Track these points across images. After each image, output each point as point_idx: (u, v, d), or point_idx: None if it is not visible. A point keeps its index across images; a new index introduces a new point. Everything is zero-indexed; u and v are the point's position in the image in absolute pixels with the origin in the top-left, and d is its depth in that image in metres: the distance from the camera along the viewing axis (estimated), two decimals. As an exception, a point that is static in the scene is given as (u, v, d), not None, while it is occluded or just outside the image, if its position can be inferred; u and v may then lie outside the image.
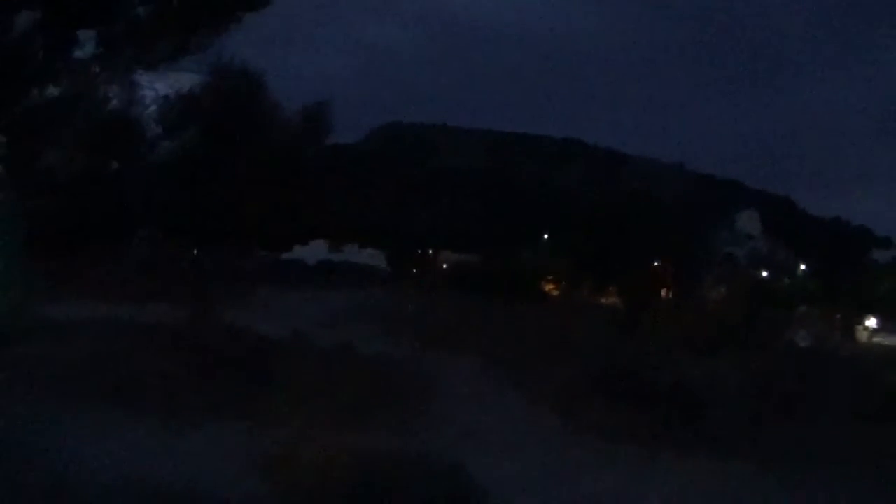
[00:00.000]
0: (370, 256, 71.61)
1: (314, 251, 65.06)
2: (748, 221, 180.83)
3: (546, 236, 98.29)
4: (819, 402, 30.58)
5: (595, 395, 26.06)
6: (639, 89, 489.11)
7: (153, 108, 44.47)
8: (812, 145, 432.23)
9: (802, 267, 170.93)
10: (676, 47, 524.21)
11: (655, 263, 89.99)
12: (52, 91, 23.84)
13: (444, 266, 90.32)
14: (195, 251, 54.27)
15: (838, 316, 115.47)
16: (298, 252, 62.65)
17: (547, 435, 21.81)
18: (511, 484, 15.84)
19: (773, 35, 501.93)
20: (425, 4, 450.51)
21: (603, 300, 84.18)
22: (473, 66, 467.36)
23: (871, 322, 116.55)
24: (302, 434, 16.73)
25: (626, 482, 18.89)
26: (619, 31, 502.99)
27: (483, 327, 36.33)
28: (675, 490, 18.72)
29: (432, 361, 27.42)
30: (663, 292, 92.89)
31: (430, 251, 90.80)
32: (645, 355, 31.27)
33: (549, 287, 79.61)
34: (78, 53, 22.99)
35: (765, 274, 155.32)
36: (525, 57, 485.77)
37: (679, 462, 21.01)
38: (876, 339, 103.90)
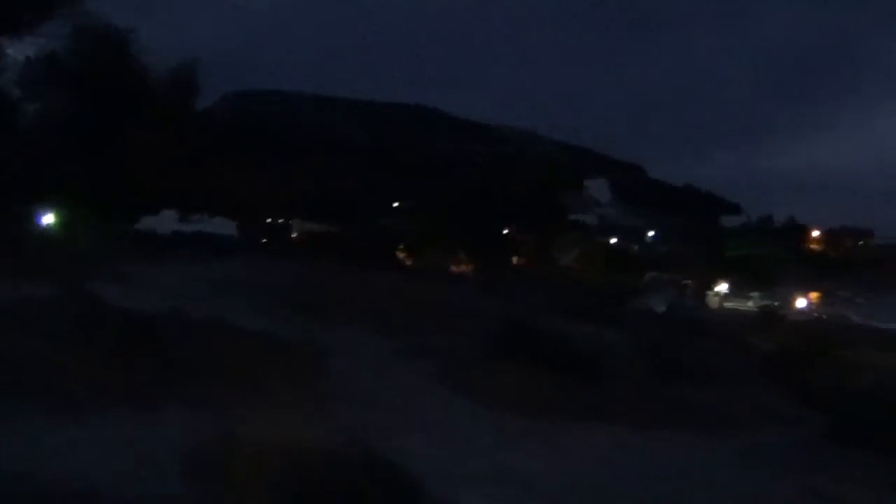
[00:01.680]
0: (224, 226, 69.97)
1: (165, 221, 63.16)
2: (598, 189, 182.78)
3: (397, 204, 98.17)
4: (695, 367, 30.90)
5: (485, 360, 25.69)
6: (496, 57, 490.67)
7: (14, 71, 42.82)
8: (665, 112, 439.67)
9: (651, 233, 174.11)
10: (532, 15, 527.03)
11: (507, 229, 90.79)
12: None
13: (295, 235, 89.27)
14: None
15: (689, 282, 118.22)
16: (149, 222, 60.54)
17: (441, 404, 21.07)
18: (413, 457, 15.01)
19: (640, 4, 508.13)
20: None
21: (460, 266, 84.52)
22: (337, 33, 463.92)
23: (722, 287, 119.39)
24: (202, 415, 15.97)
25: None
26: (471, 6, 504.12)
27: (352, 297, 35.43)
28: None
29: (314, 332, 26.45)
30: (515, 258, 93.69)
31: (283, 220, 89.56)
32: (520, 321, 30.53)
33: (406, 255, 79.18)
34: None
35: (614, 240, 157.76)
36: (386, 24, 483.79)
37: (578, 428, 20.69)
38: (727, 304, 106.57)
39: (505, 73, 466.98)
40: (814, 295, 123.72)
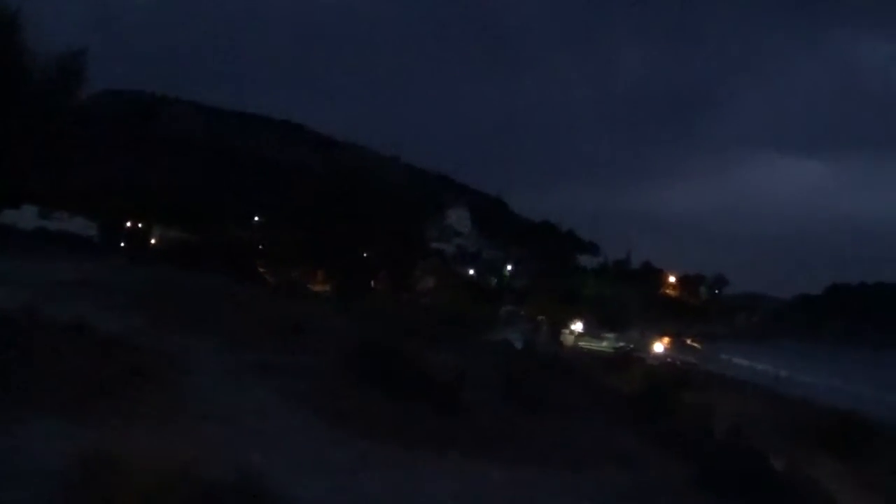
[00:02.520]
0: (83, 226, 68.19)
1: (25, 217, 61.19)
2: (458, 218, 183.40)
3: (257, 217, 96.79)
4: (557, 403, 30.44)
5: (341, 381, 24.71)
6: (359, 76, 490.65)
7: None
8: (528, 146, 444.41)
9: (509, 267, 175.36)
10: (396, 35, 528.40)
11: (365, 253, 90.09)
12: None
13: (153, 241, 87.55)
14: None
15: (544, 318, 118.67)
16: (10, 216, 58.50)
17: (299, 426, 20.04)
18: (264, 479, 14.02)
19: (510, 25, 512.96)
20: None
21: (319, 285, 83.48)
22: (203, 37, 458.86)
23: (578, 326, 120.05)
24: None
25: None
26: (353, 14, 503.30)
27: (212, 306, 34.38)
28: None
29: (170, 341, 25.23)
30: (373, 281, 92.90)
31: (142, 224, 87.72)
32: (377, 343, 29.66)
33: (264, 267, 77.73)
34: None
35: (472, 272, 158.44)
36: (255, 35, 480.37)
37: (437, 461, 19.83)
38: (581, 343, 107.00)
39: (369, 93, 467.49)
40: (665, 339, 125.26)
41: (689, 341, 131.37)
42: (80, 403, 16.40)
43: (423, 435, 21.22)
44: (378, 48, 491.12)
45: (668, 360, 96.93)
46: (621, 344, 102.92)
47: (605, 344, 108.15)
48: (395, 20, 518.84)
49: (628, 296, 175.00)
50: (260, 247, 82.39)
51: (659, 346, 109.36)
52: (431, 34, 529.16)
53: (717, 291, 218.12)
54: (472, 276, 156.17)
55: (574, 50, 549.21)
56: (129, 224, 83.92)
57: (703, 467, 22.10)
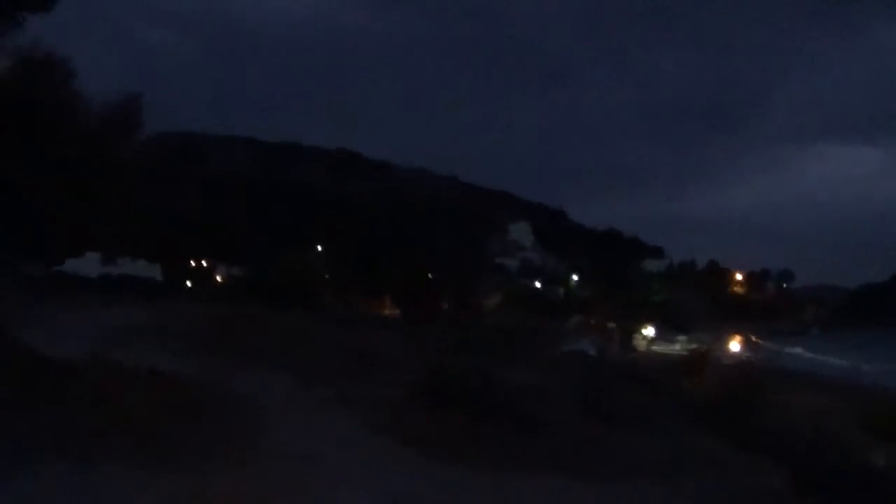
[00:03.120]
0: (146, 268, 68.50)
1: (89, 264, 61.47)
2: (520, 232, 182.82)
3: (320, 247, 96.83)
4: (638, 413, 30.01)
5: (422, 409, 24.36)
6: (411, 99, 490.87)
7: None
8: (586, 155, 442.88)
9: (575, 277, 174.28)
10: (448, 55, 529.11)
11: (430, 273, 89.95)
12: None
13: (219, 278, 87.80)
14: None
15: (612, 325, 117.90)
16: (73, 265, 58.74)
17: (386, 458, 19.67)
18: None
19: (544, 42, 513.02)
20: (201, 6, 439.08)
21: (384, 310, 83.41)
22: (248, 73, 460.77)
23: (650, 331, 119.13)
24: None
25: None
26: (390, 39, 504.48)
27: (283, 341, 34.20)
28: None
29: (250, 383, 24.98)
30: (440, 302, 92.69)
31: (206, 262, 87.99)
32: (455, 367, 29.33)
33: (330, 297, 77.66)
34: None
35: (537, 284, 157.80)
36: (297, 64, 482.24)
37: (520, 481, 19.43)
38: (654, 348, 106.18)
39: (418, 117, 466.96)
40: (737, 338, 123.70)
41: (753, 339, 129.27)
42: (164, 453, 16.05)
43: (508, 457, 20.90)
44: (422, 73, 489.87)
45: (744, 358, 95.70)
46: (694, 345, 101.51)
47: (677, 347, 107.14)
48: (437, 44, 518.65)
49: (696, 297, 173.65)
50: (326, 276, 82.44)
51: (735, 346, 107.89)
52: (472, 55, 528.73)
53: (784, 286, 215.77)
54: (537, 288, 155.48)
55: (616, 60, 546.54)
56: (192, 264, 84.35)
57: (799, 470, 21.45)
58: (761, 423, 32.10)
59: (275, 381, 26.22)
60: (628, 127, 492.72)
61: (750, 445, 27.76)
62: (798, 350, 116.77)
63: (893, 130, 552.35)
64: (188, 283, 77.19)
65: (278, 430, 19.93)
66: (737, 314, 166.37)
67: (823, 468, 20.85)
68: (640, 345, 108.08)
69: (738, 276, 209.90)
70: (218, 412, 20.35)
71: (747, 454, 26.78)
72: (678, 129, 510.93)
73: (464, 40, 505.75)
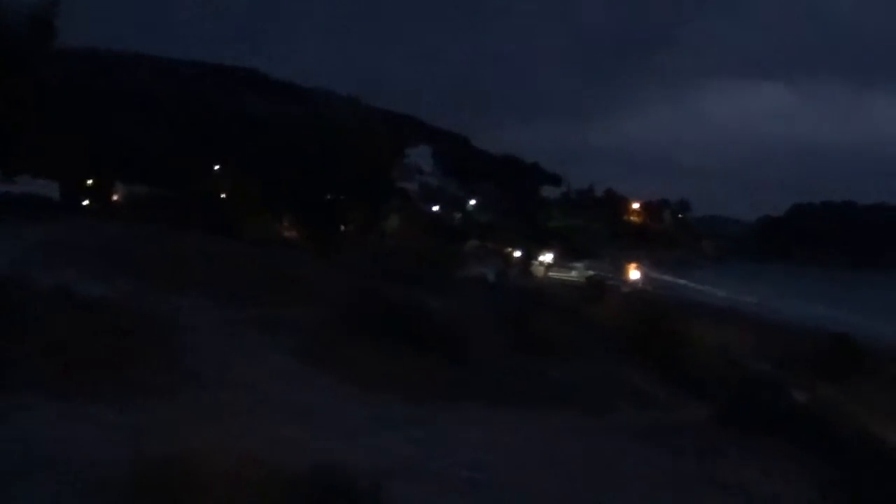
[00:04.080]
0: (45, 187, 66.90)
1: (-12, 181, 59.94)
2: (420, 156, 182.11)
3: (220, 166, 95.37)
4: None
5: (345, 334, 24.03)
6: (315, 21, 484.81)
7: None
8: (490, 82, 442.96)
9: (472, 202, 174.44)
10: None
11: (333, 195, 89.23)
12: None
13: (116, 198, 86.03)
14: None
15: (511, 250, 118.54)
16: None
17: (313, 385, 19.38)
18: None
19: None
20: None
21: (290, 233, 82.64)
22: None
23: (547, 257, 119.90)
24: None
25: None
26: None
27: (191, 263, 33.51)
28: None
29: (165, 302, 24.36)
30: (342, 225, 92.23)
31: (104, 181, 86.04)
32: (371, 292, 29.04)
33: (235, 217, 76.76)
34: None
35: (436, 208, 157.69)
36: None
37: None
38: (551, 274, 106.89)
39: (325, 38, 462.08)
40: (630, 265, 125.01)
41: (648, 269, 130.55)
42: (90, 380, 15.58)
43: (436, 386, 20.69)
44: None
45: (642, 287, 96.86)
46: (591, 273, 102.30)
47: (574, 273, 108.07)
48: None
49: (594, 225, 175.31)
50: (223, 196, 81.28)
51: (635, 274, 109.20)
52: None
53: (680, 216, 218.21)
54: (436, 213, 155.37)
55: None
56: (90, 182, 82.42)
57: (722, 404, 21.61)
58: (679, 354, 32.33)
59: (195, 303, 25.64)
60: (542, 57, 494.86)
61: (673, 378, 28.01)
62: (684, 282, 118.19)
63: (797, 68, 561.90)
64: (85, 202, 75.47)
65: (205, 359, 19.49)
66: (634, 243, 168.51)
67: (743, 401, 20.99)
68: (538, 271, 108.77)
69: (636, 206, 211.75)
70: (142, 336, 19.84)
71: (672, 387, 27.05)
72: (591, 63, 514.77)
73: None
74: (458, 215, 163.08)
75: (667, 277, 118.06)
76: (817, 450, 18.61)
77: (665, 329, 37.08)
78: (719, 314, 68.71)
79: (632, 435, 20.01)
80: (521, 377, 23.45)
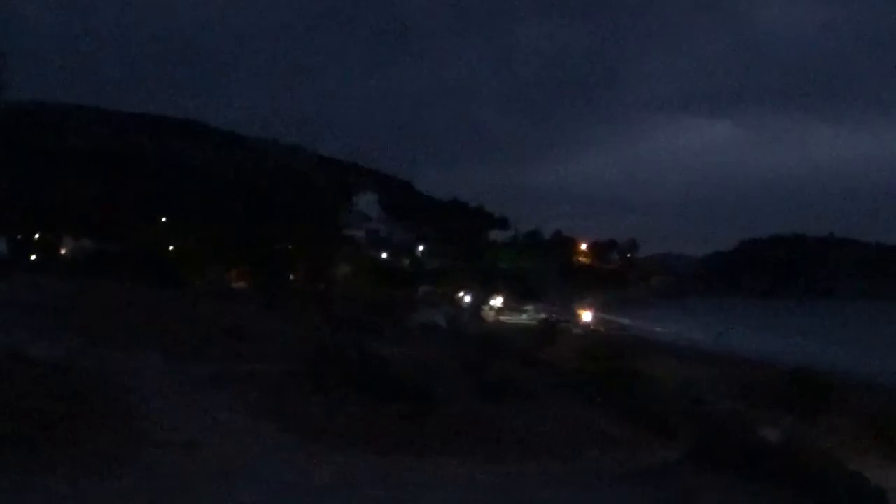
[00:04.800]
0: (-8, 243, 66.15)
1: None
2: (367, 203, 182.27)
3: (165, 218, 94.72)
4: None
5: (302, 388, 23.35)
6: (256, 70, 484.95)
7: None
8: (432, 126, 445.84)
9: (421, 248, 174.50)
10: (296, 25, 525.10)
11: (278, 244, 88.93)
12: None
13: (63, 252, 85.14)
14: None
15: (462, 295, 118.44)
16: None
17: (271, 445, 18.61)
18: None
19: (405, 11, 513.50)
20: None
21: (239, 283, 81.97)
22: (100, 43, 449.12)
23: (497, 301, 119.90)
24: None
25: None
26: (245, 5, 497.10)
27: (146, 317, 32.89)
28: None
29: (115, 362, 23.63)
30: (293, 274, 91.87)
31: (52, 235, 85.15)
32: (328, 343, 28.53)
33: (184, 270, 76.02)
34: None
35: (384, 255, 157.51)
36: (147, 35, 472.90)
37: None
38: (502, 318, 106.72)
39: (266, 86, 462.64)
40: (581, 306, 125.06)
41: (599, 309, 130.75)
42: (42, 448, 14.78)
43: (401, 440, 19.98)
44: (277, 40, 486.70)
45: (598, 329, 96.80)
46: (543, 315, 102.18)
47: (525, 316, 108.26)
48: (293, 11, 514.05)
49: (542, 266, 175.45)
50: (171, 248, 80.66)
51: (588, 315, 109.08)
52: (330, 23, 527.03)
53: (629, 255, 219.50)
54: (384, 259, 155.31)
55: (474, 31, 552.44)
56: (37, 236, 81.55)
57: (695, 444, 21.05)
58: (642, 394, 31.93)
59: (145, 360, 24.93)
60: (485, 98, 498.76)
61: (638, 418, 27.52)
62: (636, 321, 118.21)
63: (742, 103, 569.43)
64: (33, 257, 74.64)
65: (162, 419, 18.76)
66: (584, 284, 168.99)
67: (724, 443, 20.44)
68: (488, 315, 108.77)
69: (584, 246, 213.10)
70: (96, 399, 19.08)
71: (638, 427, 26.53)
72: (533, 101, 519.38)
73: (325, 8, 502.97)
74: (406, 261, 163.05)
75: (618, 317, 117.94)
76: (796, 489, 18.13)
77: (623, 368, 36.81)
78: (674, 351, 68.59)
79: (609, 480, 19.41)
80: (486, 426, 22.77)
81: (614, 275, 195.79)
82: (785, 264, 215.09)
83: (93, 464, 14.43)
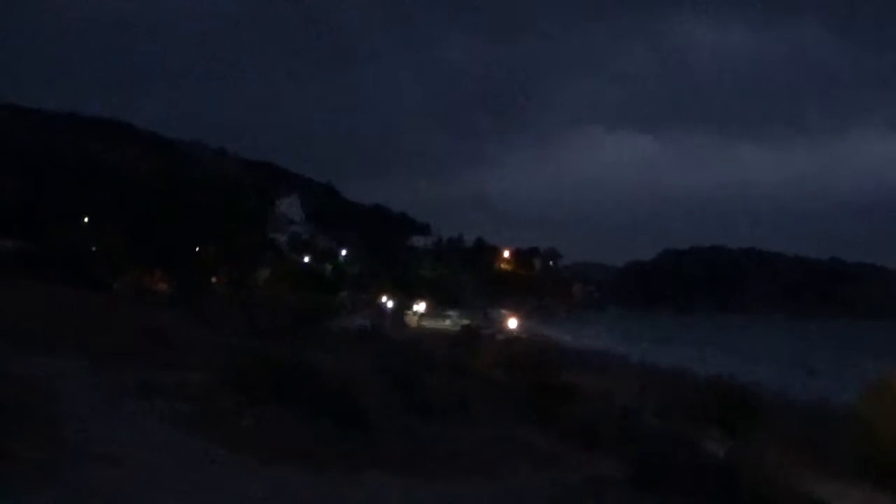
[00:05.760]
0: None
1: None
2: (290, 207, 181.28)
3: (87, 219, 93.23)
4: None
5: (232, 399, 22.69)
6: (183, 72, 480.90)
7: None
8: (359, 136, 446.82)
9: (344, 253, 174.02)
10: (224, 31, 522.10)
11: (201, 247, 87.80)
12: None
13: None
14: None
15: (384, 300, 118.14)
16: None
17: (199, 459, 17.99)
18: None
19: (337, 21, 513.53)
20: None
21: (158, 286, 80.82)
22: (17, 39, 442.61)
23: (420, 307, 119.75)
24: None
25: None
26: (173, 7, 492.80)
27: (67, 320, 32.03)
28: None
29: (36, 368, 22.83)
30: (215, 277, 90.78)
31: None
32: (256, 351, 27.92)
33: (106, 272, 74.60)
34: None
35: (307, 259, 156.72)
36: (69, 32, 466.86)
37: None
38: (424, 324, 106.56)
39: (193, 88, 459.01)
40: (503, 313, 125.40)
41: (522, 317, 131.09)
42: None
43: (334, 455, 19.45)
44: (206, 45, 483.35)
45: (521, 336, 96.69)
46: (466, 322, 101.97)
47: (447, 322, 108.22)
48: (222, 16, 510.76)
49: (464, 273, 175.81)
50: (93, 249, 79.21)
51: (513, 323, 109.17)
52: (260, 29, 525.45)
53: (551, 263, 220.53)
54: (307, 264, 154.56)
55: (404, 44, 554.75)
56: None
57: (636, 461, 20.70)
58: (574, 408, 31.66)
59: (71, 366, 24.15)
60: (409, 109, 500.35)
61: (570, 434, 27.29)
62: (556, 329, 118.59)
63: (665, 122, 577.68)
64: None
65: (87, 429, 18.04)
66: (505, 291, 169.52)
67: (664, 462, 20.13)
68: (412, 321, 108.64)
69: (506, 254, 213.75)
70: (17, 407, 18.33)
71: (570, 443, 26.30)
72: (457, 113, 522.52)
73: (255, 15, 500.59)
74: (329, 267, 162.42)
75: (539, 325, 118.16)
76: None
77: (550, 380, 36.52)
78: (596, 361, 68.69)
79: (548, 499, 19.15)
80: (420, 441, 22.41)
81: (536, 283, 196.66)
82: (704, 275, 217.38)
83: (15, 476, 13.70)
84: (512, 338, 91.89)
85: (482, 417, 28.58)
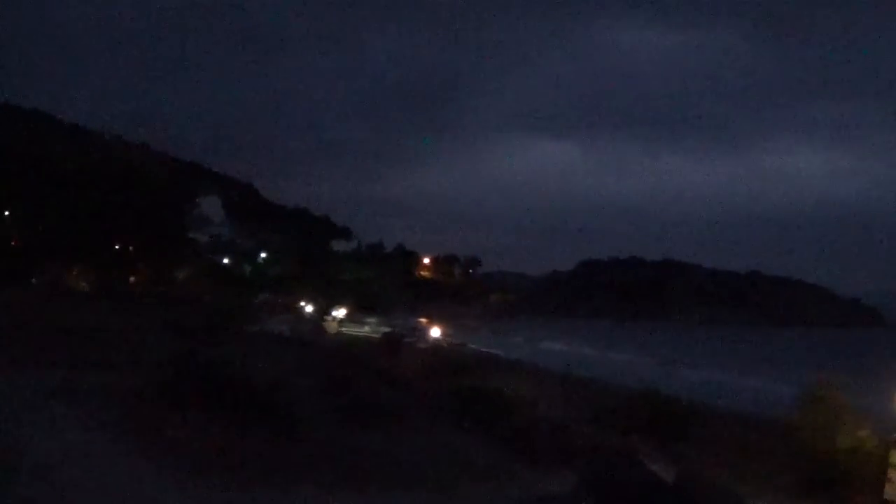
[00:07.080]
0: None
1: None
2: (210, 206, 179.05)
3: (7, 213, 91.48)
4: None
5: (158, 403, 21.74)
6: (109, 65, 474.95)
7: None
8: (279, 134, 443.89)
9: (263, 254, 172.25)
10: (145, 24, 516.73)
11: (123, 245, 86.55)
12: None
13: None
14: None
15: (303, 304, 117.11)
16: None
17: (126, 470, 17.07)
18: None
19: (259, 15, 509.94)
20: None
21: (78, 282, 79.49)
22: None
23: (340, 312, 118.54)
24: None
25: None
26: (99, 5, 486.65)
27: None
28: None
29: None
30: (134, 275, 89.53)
31: None
32: (185, 354, 26.96)
33: (23, 267, 73.12)
34: None
35: (226, 260, 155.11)
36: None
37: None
38: (343, 329, 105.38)
39: (119, 82, 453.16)
40: (424, 320, 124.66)
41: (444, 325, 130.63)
42: None
43: (265, 467, 18.45)
44: (127, 37, 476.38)
45: (442, 344, 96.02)
46: (385, 328, 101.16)
47: (367, 328, 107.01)
48: (143, 9, 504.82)
49: (385, 279, 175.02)
50: (13, 244, 77.70)
51: (436, 331, 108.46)
52: (180, 24, 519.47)
53: (470, 271, 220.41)
54: (226, 264, 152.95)
55: (328, 39, 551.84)
56: None
57: (585, 478, 20.10)
58: (506, 418, 31.04)
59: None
60: (331, 106, 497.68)
61: (506, 444, 26.68)
62: (477, 338, 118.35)
63: (589, 128, 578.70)
64: None
65: (2, 434, 17.11)
66: (425, 298, 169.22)
67: (610, 476, 19.58)
68: (331, 326, 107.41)
69: (426, 260, 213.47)
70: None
71: (504, 453, 25.66)
72: (380, 111, 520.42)
73: (176, 10, 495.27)
74: (248, 267, 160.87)
75: (460, 333, 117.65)
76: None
77: (484, 389, 35.98)
78: (521, 369, 68.18)
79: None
80: (352, 452, 21.51)
81: (455, 290, 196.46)
82: (622, 286, 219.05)
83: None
84: (435, 346, 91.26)
85: (418, 427, 27.81)
